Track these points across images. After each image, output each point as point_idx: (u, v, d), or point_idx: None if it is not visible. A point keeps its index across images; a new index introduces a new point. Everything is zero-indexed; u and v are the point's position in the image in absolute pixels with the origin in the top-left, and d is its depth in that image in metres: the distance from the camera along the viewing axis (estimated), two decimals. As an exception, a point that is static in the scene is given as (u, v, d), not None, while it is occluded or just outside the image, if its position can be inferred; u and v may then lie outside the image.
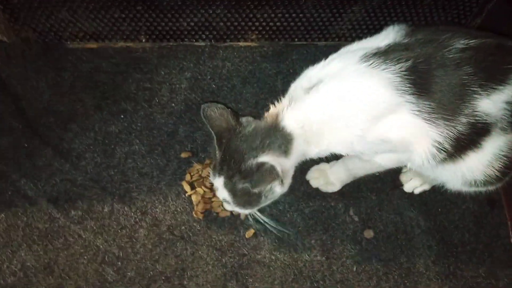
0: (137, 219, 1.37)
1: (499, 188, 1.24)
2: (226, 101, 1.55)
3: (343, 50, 1.11)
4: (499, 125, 1.04)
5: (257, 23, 1.59)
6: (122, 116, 1.52)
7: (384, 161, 1.16)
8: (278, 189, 1.11)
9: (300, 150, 1.09)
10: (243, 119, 1.12)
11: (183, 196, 1.40)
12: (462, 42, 1.00)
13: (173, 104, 1.55)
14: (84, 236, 1.35)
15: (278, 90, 1.55)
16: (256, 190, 1.08)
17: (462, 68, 0.98)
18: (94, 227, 1.36)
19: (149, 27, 1.59)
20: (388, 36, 1.07)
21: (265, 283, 1.31)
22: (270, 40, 1.66)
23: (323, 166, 1.42)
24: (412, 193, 1.44)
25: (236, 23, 1.59)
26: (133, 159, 1.46)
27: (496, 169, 1.10)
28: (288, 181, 1.14)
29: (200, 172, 1.41)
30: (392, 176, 1.46)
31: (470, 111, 0.99)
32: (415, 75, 0.97)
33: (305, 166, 1.41)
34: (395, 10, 1.54)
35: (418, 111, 0.99)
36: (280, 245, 1.35)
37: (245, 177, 1.06)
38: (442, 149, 1.04)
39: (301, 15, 1.55)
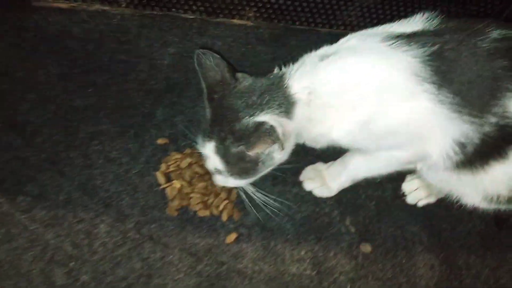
0: (98, 212, 1.25)
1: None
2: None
3: (363, 31, 1.06)
4: None
5: (256, -1, 1.48)
6: (90, 90, 1.40)
7: (389, 159, 1.10)
8: (277, 155, 1.05)
9: (302, 120, 1.02)
10: (239, 75, 1.06)
11: (156, 189, 1.29)
12: (499, 32, 0.94)
13: (152, 82, 1.44)
14: (31, 228, 1.21)
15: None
16: (251, 153, 1.02)
17: (496, 60, 0.92)
18: (45, 218, 1.23)
19: (131, -11, 1.48)
20: (416, 23, 1.01)
21: (245, 298, 1.22)
22: (268, 20, 1.55)
23: (320, 166, 1.33)
24: (414, 206, 1.37)
25: (232, -4, 1.48)
26: (99, 140, 1.34)
27: None
28: (289, 146, 1.07)
29: (178, 163, 1.29)
30: (394, 184, 1.38)
31: (500, 110, 0.93)
32: (440, 61, 0.93)
33: (298, 167, 1.34)
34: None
35: (439, 102, 0.93)
36: (265, 254, 1.24)
37: (240, 139, 1.00)
38: (461, 151, 0.98)
39: (306, -6, 1.46)
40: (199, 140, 1.08)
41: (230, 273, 1.21)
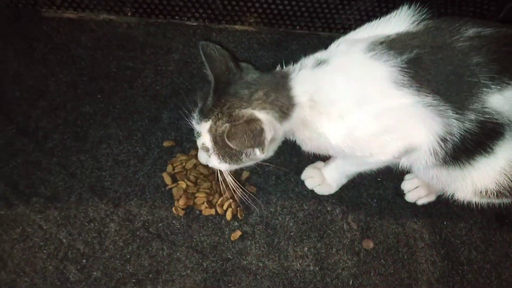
0: (108, 212, 1.27)
1: (509, 203, 1.18)
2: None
3: (352, 34, 1.09)
4: None
5: (257, 4, 1.50)
6: (99, 96, 1.43)
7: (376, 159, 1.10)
8: (258, 154, 1.05)
9: (297, 121, 1.04)
10: (243, 64, 1.07)
11: (163, 189, 1.31)
12: (474, 30, 0.96)
13: (157, 87, 1.46)
14: (45, 227, 1.24)
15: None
16: (232, 145, 0.98)
17: (471, 58, 0.93)
18: (58, 218, 1.25)
19: None
20: (400, 23, 1.03)
21: (250, 293, 1.22)
22: (269, 25, 1.57)
23: (319, 164, 1.36)
24: (415, 204, 1.37)
25: (233, 3, 1.50)
26: (108, 144, 1.36)
27: (510, 179, 1.05)
28: (273, 148, 1.09)
29: (183, 164, 1.32)
30: (395, 183, 1.38)
31: (479, 106, 0.94)
32: (418, 66, 0.95)
33: (300, 166, 1.36)
34: (409, 2, 1.45)
35: (419, 103, 0.95)
36: (269, 250, 1.26)
37: (230, 122, 1.00)
38: (446, 148, 0.99)
39: (305, -1, 1.47)
40: (195, 117, 1.07)
41: (235, 269, 1.22)
